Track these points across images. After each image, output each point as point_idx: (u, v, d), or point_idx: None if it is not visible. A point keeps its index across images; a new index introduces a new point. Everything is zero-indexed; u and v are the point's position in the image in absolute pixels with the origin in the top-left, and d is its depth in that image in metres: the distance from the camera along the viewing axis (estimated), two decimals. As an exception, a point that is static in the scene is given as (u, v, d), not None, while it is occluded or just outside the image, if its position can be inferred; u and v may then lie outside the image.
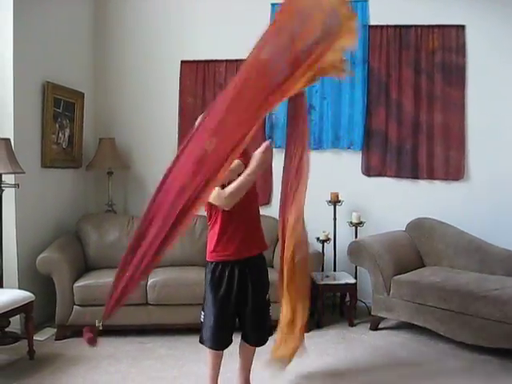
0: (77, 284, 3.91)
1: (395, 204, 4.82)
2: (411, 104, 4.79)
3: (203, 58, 4.92)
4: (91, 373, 3.31)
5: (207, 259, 2.77)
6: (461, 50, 4.74)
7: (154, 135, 5.04)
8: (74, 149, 4.73)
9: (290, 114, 2.96)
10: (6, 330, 3.68)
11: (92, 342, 2.17)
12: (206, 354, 2.81)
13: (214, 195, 2.54)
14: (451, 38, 4.75)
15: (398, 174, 4.84)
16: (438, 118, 4.77)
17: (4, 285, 3.71)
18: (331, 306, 4.66)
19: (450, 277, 3.91)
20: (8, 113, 3.82)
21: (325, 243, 4.60)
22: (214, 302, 2.70)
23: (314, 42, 2.22)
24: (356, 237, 4.60)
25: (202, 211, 2.63)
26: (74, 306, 3.88)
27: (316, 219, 4.72)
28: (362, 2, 4.82)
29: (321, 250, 4.47)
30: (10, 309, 3.30)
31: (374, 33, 4.82)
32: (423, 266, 4.37)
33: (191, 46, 4.96)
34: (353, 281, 4.40)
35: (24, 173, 3.67)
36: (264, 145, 2.66)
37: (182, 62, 4.99)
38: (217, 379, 2.86)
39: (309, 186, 4.80)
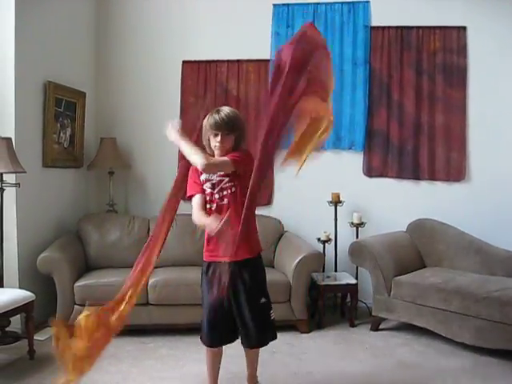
0: (77, 284, 3.91)
1: (396, 205, 4.82)
2: (412, 105, 4.79)
3: (205, 58, 4.92)
4: (92, 372, 3.25)
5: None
6: (462, 51, 4.74)
7: (156, 135, 4.98)
8: (75, 148, 4.73)
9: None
10: (7, 329, 3.68)
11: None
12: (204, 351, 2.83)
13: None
14: (452, 40, 4.76)
15: (400, 175, 4.84)
16: (439, 119, 4.77)
17: (4, 284, 3.70)
18: (332, 307, 4.66)
19: (450, 278, 3.91)
20: (9, 112, 3.82)
21: (326, 243, 4.60)
22: (207, 302, 2.71)
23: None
24: (357, 237, 4.60)
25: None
26: (75, 306, 3.88)
27: (317, 219, 4.76)
28: (364, 2, 4.82)
29: (322, 251, 4.47)
30: (10, 308, 3.29)
31: (376, 34, 4.82)
32: (424, 266, 4.37)
33: (193, 45, 4.96)
34: (354, 281, 4.40)
35: (25, 172, 3.67)
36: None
37: (184, 61, 4.99)
38: (216, 379, 2.86)
39: (310, 186, 4.86)
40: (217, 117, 2.61)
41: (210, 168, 2.56)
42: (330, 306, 4.63)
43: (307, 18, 4.84)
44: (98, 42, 5.10)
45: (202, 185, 2.70)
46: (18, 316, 3.65)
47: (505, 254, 4.08)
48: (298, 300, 4.03)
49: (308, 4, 4.84)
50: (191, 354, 3.52)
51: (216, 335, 2.74)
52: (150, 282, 3.87)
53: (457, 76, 4.76)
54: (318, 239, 4.59)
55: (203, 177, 2.70)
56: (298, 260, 4.01)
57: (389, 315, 4.04)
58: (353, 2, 4.83)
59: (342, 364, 3.49)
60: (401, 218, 4.63)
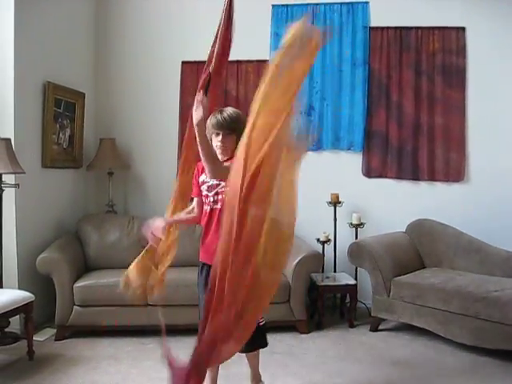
0: (77, 284, 3.90)
1: (395, 205, 4.82)
2: (411, 105, 4.79)
3: (204, 58, 4.81)
4: (91, 373, 3.31)
5: None
6: (461, 51, 4.75)
7: (155, 136, 5.04)
8: (75, 149, 4.73)
9: None
10: (6, 330, 3.68)
11: None
12: None
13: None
14: (451, 40, 4.76)
15: (399, 176, 4.84)
16: (438, 120, 4.77)
17: (4, 285, 3.70)
18: (331, 307, 4.66)
19: (450, 278, 3.91)
20: (9, 113, 3.82)
21: (325, 244, 4.60)
22: (202, 302, 2.72)
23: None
24: (356, 238, 4.60)
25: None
26: (74, 307, 3.87)
27: (316, 220, 4.75)
28: (363, 3, 4.83)
29: (321, 251, 4.47)
30: (9, 309, 3.29)
31: (375, 34, 4.83)
32: (423, 267, 4.37)
33: (192, 46, 4.95)
34: (353, 282, 4.40)
35: (24, 173, 3.67)
36: None
37: (183, 62, 4.99)
38: (215, 378, 2.86)
39: (309, 187, 4.84)
40: (219, 117, 2.62)
41: (215, 176, 2.54)
42: (329, 306, 4.63)
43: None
44: (97, 43, 5.10)
45: (200, 186, 2.71)
46: (18, 317, 3.64)
47: (504, 254, 4.09)
48: (297, 300, 4.03)
49: (307, 4, 4.85)
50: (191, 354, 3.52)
51: None
52: (148, 283, 3.87)
53: (456, 76, 4.76)
54: (318, 240, 4.60)
55: (201, 178, 2.71)
56: (297, 260, 4.01)
57: (388, 316, 4.04)
58: (352, 3, 4.83)
59: (341, 364, 3.48)
60: (400, 218, 4.64)
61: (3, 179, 3.66)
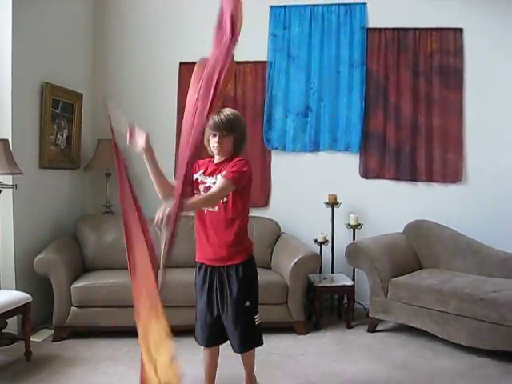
0: (74, 285, 3.90)
1: (393, 206, 4.83)
2: (409, 106, 4.80)
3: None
4: (89, 374, 3.30)
5: None
6: (458, 52, 4.76)
7: (153, 137, 4.89)
8: (72, 150, 4.72)
9: None
10: (3, 331, 3.66)
11: None
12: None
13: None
14: (449, 41, 4.77)
15: (397, 177, 4.85)
16: (436, 121, 4.78)
17: (1, 286, 3.69)
18: (329, 308, 4.67)
19: (447, 279, 3.92)
20: (6, 113, 3.81)
21: (322, 245, 4.60)
22: (197, 302, 2.76)
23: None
24: (354, 239, 4.60)
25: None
26: (72, 308, 3.87)
27: (314, 221, 4.76)
28: (361, 4, 4.83)
29: (318, 252, 4.47)
30: (6, 310, 3.28)
31: (373, 35, 4.84)
32: (421, 268, 4.38)
33: (190, 47, 4.94)
34: (350, 283, 4.40)
35: (22, 173, 3.66)
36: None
37: (181, 63, 4.99)
38: (213, 379, 2.87)
39: (307, 187, 4.87)
40: (216, 118, 2.62)
41: (216, 202, 2.57)
42: (326, 307, 4.64)
43: (304, 19, 4.86)
44: (95, 44, 5.10)
45: (197, 184, 2.70)
46: (15, 317, 3.63)
47: (502, 255, 4.10)
48: (294, 301, 4.03)
49: (305, 6, 4.85)
50: (188, 355, 3.51)
51: (207, 335, 2.76)
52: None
53: (453, 78, 4.77)
54: (315, 241, 4.60)
55: (196, 175, 2.70)
56: (294, 261, 4.01)
57: (386, 317, 4.04)
58: (349, 4, 4.84)
59: (338, 365, 3.49)
60: (398, 219, 4.64)
61: (0, 180, 3.65)
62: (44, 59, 4.23)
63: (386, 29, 4.82)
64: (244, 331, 2.68)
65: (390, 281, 4.02)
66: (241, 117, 2.76)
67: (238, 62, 4.90)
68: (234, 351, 2.77)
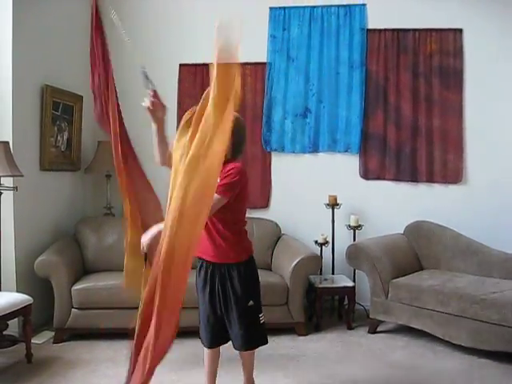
0: (75, 287, 3.90)
1: (393, 207, 4.83)
2: (409, 107, 4.80)
3: (202, 61, 4.91)
4: (90, 376, 3.30)
5: None
6: (458, 53, 4.76)
7: (152, 138, 5.02)
8: (73, 152, 4.73)
9: None
10: (4, 333, 3.67)
11: None
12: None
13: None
14: (449, 42, 4.77)
15: (397, 177, 4.85)
16: (436, 122, 4.78)
17: (2, 288, 3.69)
18: (329, 309, 4.67)
19: (448, 280, 3.92)
20: (7, 116, 3.82)
21: (323, 246, 4.60)
22: (200, 302, 2.77)
23: None
24: (354, 240, 4.60)
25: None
26: (72, 309, 3.87)
27: (314, 222, 4.76)
28: (360, 5, 4.83)
29: (319, 253, 4.47)
30: (7, 312, 3.29)
31: (372, 36, 4.84)
32: (421, 269, 4.38)
33: (190, 48, 4.97)
34: (351, 284, 4.40)
35: (22, 176, 3.67)
36: None
37: (181, 65, 5.00)
38: (214, 380, 2.87)
39: (307, 189, 4.86)
40: None
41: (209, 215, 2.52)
42: (327, 308, 4.64)
43: (303, 20, 4.86)
44: (95, 46, 5.10)
45: None
46: (16, 319, 3.64)
47: (502, 256, 4.09)
48: (295, 302, 4.03)
49: (304, 7, 4.86)
50: (189, 356, 3.52)
51: (210, 335, 2.77)
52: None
53: (453, 78, 4.77)
54: (316, 242, 4.60)
55: None
56: (295, 262, 4.02)
57: (386, 317, 4.04)
58: (349, 5, 4.84)
59: (339, 366, 3.49)
60: (398, 220, 4.64)
61: (1, 182, 3.66)
62: (44, 61, 4.24)
63: (385, 30, 4.82)
64: (248, 330, 2.68)
65: (390, 282, 4.02)
66: (240, 119, 2.76)
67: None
68: (236, 349, 2.77)
